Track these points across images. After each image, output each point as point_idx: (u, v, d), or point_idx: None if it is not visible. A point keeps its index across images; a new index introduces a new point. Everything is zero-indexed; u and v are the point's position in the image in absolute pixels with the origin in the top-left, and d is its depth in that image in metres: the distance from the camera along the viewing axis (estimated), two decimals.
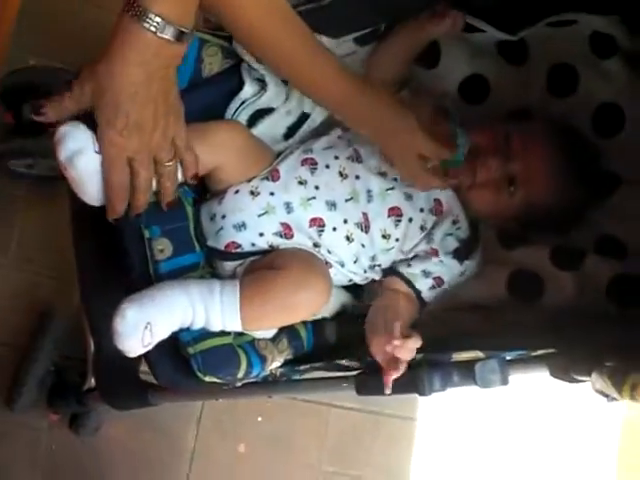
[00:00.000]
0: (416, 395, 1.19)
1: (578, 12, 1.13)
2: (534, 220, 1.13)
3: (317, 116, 1.15)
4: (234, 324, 1.01)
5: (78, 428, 1.53)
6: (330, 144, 1.12)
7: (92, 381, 1.39)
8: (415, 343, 0.95)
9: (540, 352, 0.98)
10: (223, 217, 1.07)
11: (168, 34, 0.86)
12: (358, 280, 1.14)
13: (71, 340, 1.53)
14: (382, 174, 1.11)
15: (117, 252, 1.07)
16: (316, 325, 1.14)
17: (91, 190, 0.95)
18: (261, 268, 1.05)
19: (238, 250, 1.07)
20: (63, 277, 1.56)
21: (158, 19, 0.84)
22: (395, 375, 0.95)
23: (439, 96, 1.19)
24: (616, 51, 1.14)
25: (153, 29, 0.84)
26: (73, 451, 1.56)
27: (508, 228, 1.16)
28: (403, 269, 1.11)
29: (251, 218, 1.06)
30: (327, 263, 1.10)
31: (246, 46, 1.05)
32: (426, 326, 1.14)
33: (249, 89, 1.10)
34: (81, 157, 0.91)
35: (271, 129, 1.13)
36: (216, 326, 1.00)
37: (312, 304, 1.05)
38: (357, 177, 1.10)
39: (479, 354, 0.99)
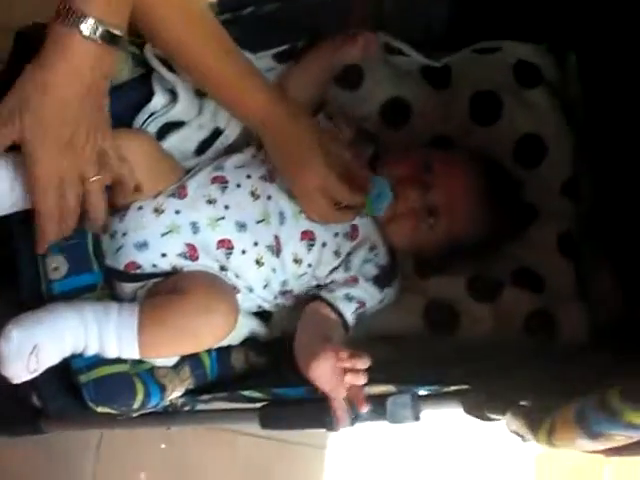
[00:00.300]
0: None
1: (504, 39, 1.11)
2: (452, 250, 1.10)
3: (231, 132, 1.09)
4: (131, 351, 0.93)
5: None
6: (243, 163, 1.07)
7: None
8: (364, 363, 0.88)
9: (454, 388, 0.95)
10: (124, 235, 1.00)
11: (101, 36, 0.81)
12: (267, 306, 1.09)
13: None
14: (293, 196, 1.06)
15: (10, 266, 0.99)
16: (221, 353, 1.07)
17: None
18: (163, 292, 0.98)
19: (138, 271, 1.00)
20: None
21: (91, 20, 0.80)
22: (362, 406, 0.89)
23: (359, 119, 1.15)
24: (540, 81, 1.13)
25: (86, 31, 0.80)
26: None
27: (425, 257, 1.13)
28: (325, 294, 1.06)
29: (154, 237, 1.00)
30: (234, 288, 1.04)
31: (166, 52, 1.00)
32: None
33: (159, 100, 1.04)
34: None
35: (181, 144, 1.06)
36: (111, 352, 0.93)
37: (216, 330, 0.98)
38: (269, 197, 1.04)
39: (391, 388, 0.95)
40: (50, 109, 0.82)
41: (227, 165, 1.06)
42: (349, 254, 1.08)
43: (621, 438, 0.64)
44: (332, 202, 1.02)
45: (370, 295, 1.07)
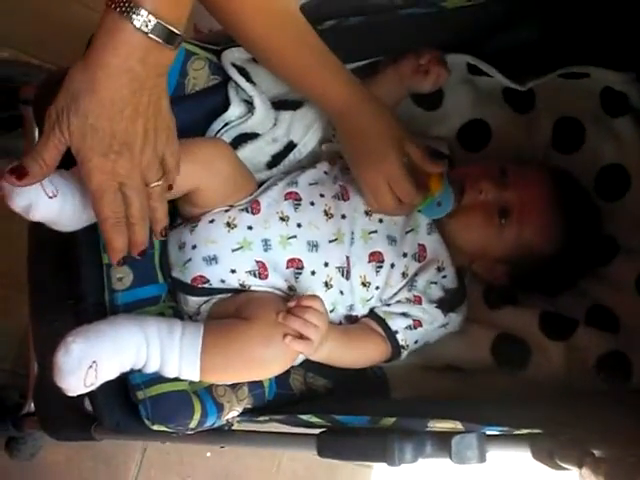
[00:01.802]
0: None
1: (592, 65, 1.06)
2: (524, 270, 1.05)
3: (304, 147, 1.06)
4: (192, 373, 0.91)
5: (13, 451, 1.42)
6: (316, 179, 1.04)
7: (32, 405, 1.28)
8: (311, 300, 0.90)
9: (525, 431, 0.90)
10: (193, 247, 0.97)
11: (158, 34, 0.74)
12: None
13: (17, 353, 1.43)
14: (367, 213, 1.03)
15: (73, 274, 0.97)
16: (280, 374, 1.04)
17: (63, 225, 0.89)
18: (229, 313, 0.96)
19: (206, 285, 0.97)
20: (14, 285, 1.45)
21: (149, 16, 0.73)
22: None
23: (435, 139, 1.11)
24: (628, 110, 1.08)
25: (143, 27, 0.73)
26: (6, 475, 1.44)
27: (495, 284, 1.08)
28: (379, 309, 1.03)
29: (224, 252, 0.97)
30: None
31: (249, 48, 0.97)
32: (404, 385, 1.07)
33: (235, 110, 1.02)
34: (36, 209, 0.84)
35: (254, 156, 1.04)
36: (171, 373, 0.90)
37: (281, 361, 0.94)
38: (343, 216, 1.02)
39: (457, 425, 0.91)
40: (100, 109, 0.75)
41: (300, 181, 1.03)
42: (415, 274, 1.04)
43: None
44: (396, 197, 0.99)
45: (431, 316, 1.03)
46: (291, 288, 0.99)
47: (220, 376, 0.94)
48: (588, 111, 1.09)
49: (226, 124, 1.02)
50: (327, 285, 1.00)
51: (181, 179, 0.92)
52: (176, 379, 0.92)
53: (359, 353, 1.01)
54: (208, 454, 1.61)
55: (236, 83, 1.01)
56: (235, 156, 1.01)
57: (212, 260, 0.97)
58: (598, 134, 1.09)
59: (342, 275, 1.00)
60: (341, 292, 1.01)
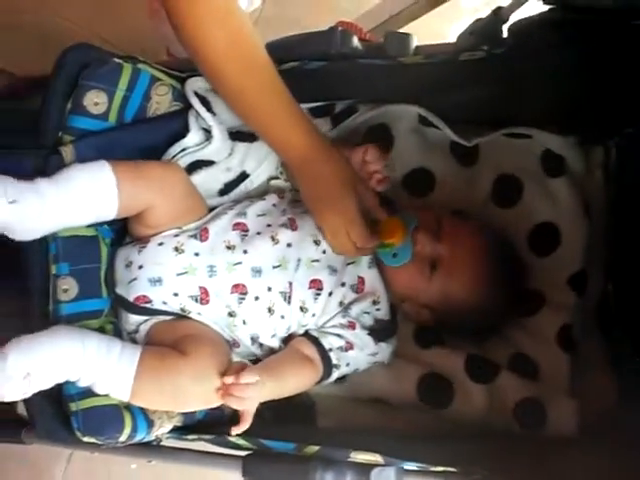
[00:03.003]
0: None
1: (535, 128, 1.12)
2: (449, 317, 1.10)
3: (256, 179, 1.10)
4: (122, 395, 0.94)
5: None
6: (264, 211, 1.07)
7: None
8: (249, 376, 0.93)
9: (441, 468, 0.95)
10: (140, 267, 1.00)
11: None
12: (261, 355, 1.08)
13: None
14: (316, 242, 1.07)
15: (20, 283, 0.99)
16: None
17: (19, 232, 0.94)
18: (166, 342, 0.98)
19: (147, 305, 1.00)
20: None
21: None
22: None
23: None
24: (564, 172, 1.15)
25: None
26: None
27: (424, 323, 1.13)
28: (313, 331, 1.07)
29: (169, 275, 1.00)
30: (234, 343, 1.04)
31: (217, 89, 1.01)
32: (331, 415, 1.11)
33: (194, 137, 1.05)
34: None
35: (207, 182, 1.07)
36: (102, 390, 0.93)
37: (205, 400, 0.97)
38: (289, 245, 1.05)
39: (377, 458, 0.95)
40: None
41: (249, 212, 1.06)
42: (351, 303, 1.08)
43: None
44: (353, 240, 1.04)
45: (362, 342, 1.07)
46: (231, 314, 1.02)
47: (148, 402, 0.97)
48: (528, 170, 1.16)
49: (183, 149, 1.05)
50: (270, 311, 1.03)
51: (134, 198, 0.97)
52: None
53: (296, 382, 1.03)
54: (133, 466, 1.62)
55: (197, 111, 1.04)
56: (188, 180, 1.05)
57: (157, 282, 1.00)
58: (535, 192, 1.15)
59: (284, 300, 1.04)
60: (282, 317, 1.04)
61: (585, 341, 1.14)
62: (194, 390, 0.95)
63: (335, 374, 1.06)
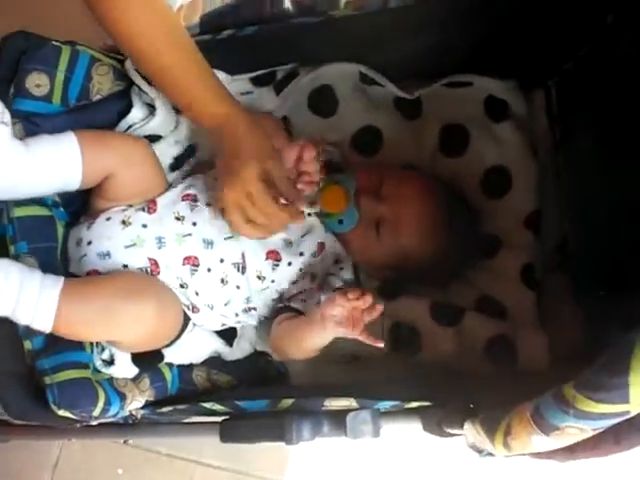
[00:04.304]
0: (287, 455, 1.12)
1: (476, 74, 1.15)
2: (409, 271, 1.11)
3: (205, 149, 1.11)
4: (45, 320, 0.90)
5: None
6: (213, 185, 1.06)
7: None
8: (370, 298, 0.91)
9: (414, 404, 0.96)
10: (89, 243, 1.01)
11: None
12: (230, 323, 1.09)
13: None
14: None
15: None
16: (183, 368, 1.08)
17: None
18: None
19: None
20: None
21: None
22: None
23: (331, 145, 1.17)
24: (508, 116, 1.17)
25: None
26: None
27: (387, 278, 1.14)
28: (295, 304, 1.06)
29: (117, 248, 1.01)
30: (194, 307, 1.05)
31: (131, 56, 1.01)
32: (304, 377, 1.11)
33: (138, 113, 1.06)
34: None
35: (157, 157, 1.08)
36: (24, 317, 0.90)
37: (138, 322, 0.95)
38: None
39: (352, 403, 0.96)
40: None
41: (198, 184, 1.07)
42: (314, 268, 1.09)
43: (574, 431, 0.66)
44: (247, 217, 0.98)
45: None
46: (182, 285, 1.03)
47: (73, 328, 0.93)
48: (472, 117, 1.18)
49: (130, 127, 1.06)
50: (223, 282, 1.04)
51: (97, 163, 0.99)
52: (82, 365, 0.95)
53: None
54: (120, 471, 1.61)
55: (138, 87, 1.06)
56: (154, 156, 1.06)
57: (105, 255, 1.00)
58: (482, 138, 1.17)
59: (238, 270, 1.04)
60: (237, 287, 1.05)
61: (548, 279, 1.16)
62: (125, 307, 0.94)
63: None
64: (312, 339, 0.97)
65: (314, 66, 1.14)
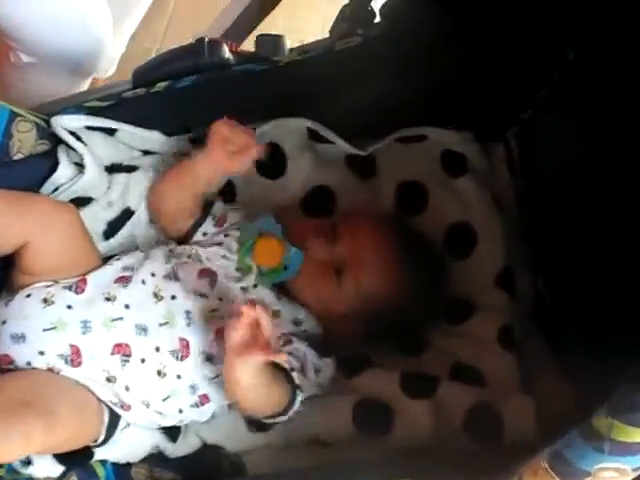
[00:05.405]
0: None
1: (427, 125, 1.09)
2: (373, 325, 0.99)
3: (143, 214, 1.01)
4: None
5: None
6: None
7: None
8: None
9: None
10: (3, 323, 0.88)
11: None
12: (172, 422, 0.95)
13: None
14: (203, 295, 0.95)
15: None
16: (119, 466, 0.93)
17: None
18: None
19: (11, 366, 0.87)
20: None
21: None
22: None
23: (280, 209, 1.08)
24: (467, 170, 1.10)
25: None
26: None
27: (352, 341, 1.02)
28: None
29: (34, 330, 0.87)
30: (123, 405, 0.91)
31: None
32: (260, 465, 0.97)
33: (65, 171, 0.96)
34: None
35: (88, 223, 0.97)
36: None
37: (27, 440, 0.78)
38: (173, 297, 0.93)
39: None
40: None
41: (136, 261, 0.95)
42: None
43: (611, 475, 0.52)
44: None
45: (309, 353, 0.94)
46: (109, 379, 0.89)
47: None
48: (429, 173, 1.11)
49: (56, 189, 0.96)
50: (160, 374, 0.90)
51: (9, 230, 0.88)
52: None
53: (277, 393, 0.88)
54: None
55: (66, 144, 0.96)
56: (81, 224, 0.94)
57: (20, 338, 0.87)
58: (441, 195, 1.10)
59: (177, 359, 0.91)
60: (178, 376, 0.92)
61: (528, 341, 1.06)
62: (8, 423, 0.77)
63: (299, 398, 0.90)
64: (236, 380, 0.82)
65: (259, 122, 1.05)
